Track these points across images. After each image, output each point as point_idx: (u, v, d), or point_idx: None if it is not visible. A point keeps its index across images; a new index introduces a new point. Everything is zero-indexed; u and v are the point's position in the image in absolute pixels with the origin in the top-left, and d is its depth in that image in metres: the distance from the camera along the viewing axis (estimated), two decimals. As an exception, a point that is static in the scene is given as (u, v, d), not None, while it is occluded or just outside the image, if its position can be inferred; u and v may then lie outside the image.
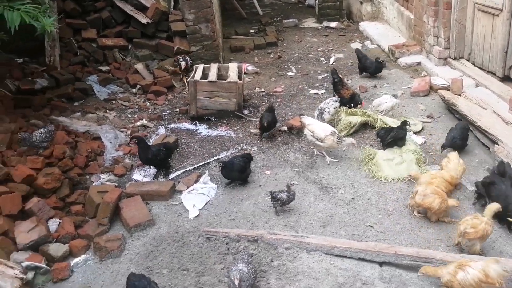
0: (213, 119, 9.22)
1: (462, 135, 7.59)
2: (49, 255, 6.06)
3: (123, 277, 5.76)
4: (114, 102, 10.05)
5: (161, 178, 7.58)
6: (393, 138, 7.85)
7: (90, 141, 8.41)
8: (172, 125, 9.22)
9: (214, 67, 9.65)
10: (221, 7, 14.77)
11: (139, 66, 11.17)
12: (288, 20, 15.36)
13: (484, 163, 7.49)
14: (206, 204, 6.97)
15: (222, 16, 14.55)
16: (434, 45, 10.49)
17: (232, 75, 9.27)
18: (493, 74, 9.21)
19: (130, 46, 11.71)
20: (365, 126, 8.64)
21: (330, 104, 8.57)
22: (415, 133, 8.33)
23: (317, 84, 10.70)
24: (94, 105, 9.78)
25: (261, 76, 11.46)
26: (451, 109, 8.83)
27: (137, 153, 7.75)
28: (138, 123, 9.24)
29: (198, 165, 7.89)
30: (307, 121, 7.94)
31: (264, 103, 9.92)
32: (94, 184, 7.43)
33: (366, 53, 11.42)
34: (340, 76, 9.57)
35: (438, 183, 6.46)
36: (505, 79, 8.96)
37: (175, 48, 11.33)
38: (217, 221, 6.59)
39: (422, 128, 8.53)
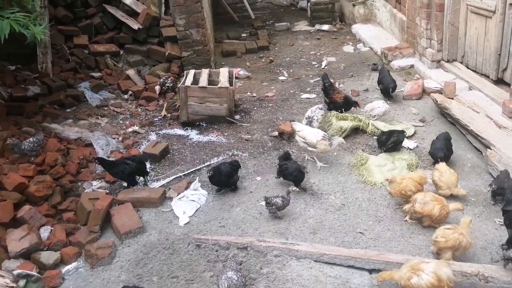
0: (204, 125, 9.23)
1: (448, 147, 7.47)
2: (41, 262, 6.06)
3: (113, 285, 5.81)
4: (106, 108, 10.03)
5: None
6: (394, 143, 7.86)
7: (82, 148, 8.41)
8: (163, 131, 9.21)
9: (205, 72, 9.65)
10: (213, 11, 14.77)
11: (131, 72, 11.15)
12: (280, 24, 15.34)
13: (476, 168, 7.50)
14: (196, 211, 6.98)
15: (214, 20, 14.55)
16: (427, 48, 10.49)
17: (223, 80, 9.27)
18: (487, 76, 9.21)
19: (121, 52, 11.67)
20: (356, 130, 8.65)
21: (317, 111, 8.59)
22: (407, 137, 8.31)
23: (308, 89, 10.71)
24: (86, 112, 9.75)
25: (253, 80, 11.46)
26: (443, 113, 8.83)
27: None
28: (130, 129, 9.23)
29: (189, 171, 7.89)
30: (298, 128, 7.95)
31: (255, 108, 9.94)
32: (86, 191, 7.44)
33: (358, 56, 11.39)
34: (332, 80, 9.57)
35: (407, 183, 6.51)
36: (499, 81, 8.94)
37: (167, 54, 11.32)
38: (207, 228, 6.60)
39: (415, 132, 8.54)
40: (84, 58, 11.25)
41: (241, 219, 6.72)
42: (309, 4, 15.29)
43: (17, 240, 6.13)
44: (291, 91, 10.66)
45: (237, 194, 7.29)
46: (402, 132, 8.01)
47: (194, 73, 9.64)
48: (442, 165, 6.96)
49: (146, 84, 10.83)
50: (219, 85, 9.15)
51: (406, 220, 6.46)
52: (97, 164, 7.89)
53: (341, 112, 8.90)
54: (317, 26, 14.79)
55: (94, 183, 7.68)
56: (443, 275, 5.04)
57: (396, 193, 6.58)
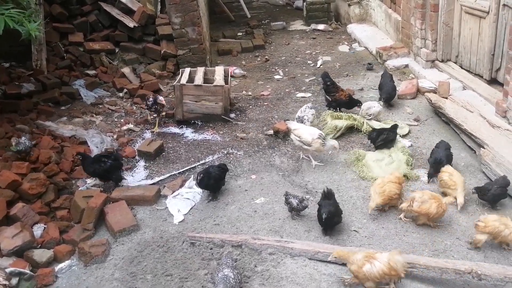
0: (200, 123, 9.22)
1: (448, 157, 7.28)
2: (34, 260, 6.03)
3: (107, 283, 5.79)
4: (100, 106, 10.00)
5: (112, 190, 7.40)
6: (383, 140, 7.88)
7: (76, 145, 8.38)
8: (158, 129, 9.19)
9: (200, 71, 9.63)
10: (209, 10, 14.75)
11: (126, 70, 11.14)
12: (276, 23, 15.33)
13: (470, 167, 7.52)
14: (191, 209, 6.97)
15: (210, 19, 14.53)
16: (421, 48, 10.50)
17: (219, 79, 9.26)
18: (480, 76, 9.21)
19: (117, 50, 11.65)
20: (351, 129, 8.66)
21: (307, 111, 8.58)
22: (401, 136, 8.34)
23: (304, 88, 10.71)
24: (80, 110, 9.73)
25: (248, 79, 11.46)
26: (438, 112, 8.85)
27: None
28: (125, 127, 9.21)
29: (184, 169, 7.87)
30: (293, 126, 7.94)
31: (251, 106, 9.93)
32: (79, 189, 7.41)
33: (353, 55, 11.37)
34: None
35: (390, 188, 6.52)
36: (492, 81, 8.94)
37: (162, 52, 11.32)
38: (202, 226, 6.59)
39: (409, 131, 8.56)
40: (79, 55, 11.23)
41: (236, 217, 6.72)
42: (304, 3, 15.28)
43: (10, 238, 6.11)
44: (287, 90, 10.66)
45: (232, 192, 7.28)
46: (394, 129, 8.01)
47: (190, 72, 9.61)
48: (449, 167, 6.99)
49: (141, 82, 10.80)
50: (214, 84, 9.14)
51: (400, 218, 6.47)
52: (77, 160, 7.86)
53: (347, 109, 8.97)
54: (313, 26, 14.76)
55: (88, 181, 7.65)
56: (396, 263, 5.15)
57: (385, 200, 6.53)
